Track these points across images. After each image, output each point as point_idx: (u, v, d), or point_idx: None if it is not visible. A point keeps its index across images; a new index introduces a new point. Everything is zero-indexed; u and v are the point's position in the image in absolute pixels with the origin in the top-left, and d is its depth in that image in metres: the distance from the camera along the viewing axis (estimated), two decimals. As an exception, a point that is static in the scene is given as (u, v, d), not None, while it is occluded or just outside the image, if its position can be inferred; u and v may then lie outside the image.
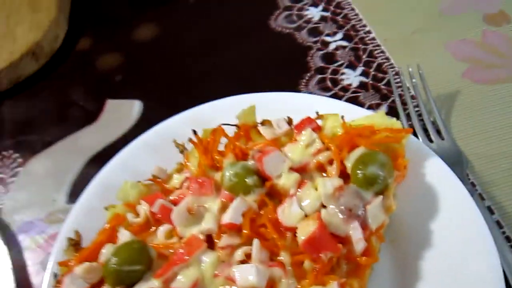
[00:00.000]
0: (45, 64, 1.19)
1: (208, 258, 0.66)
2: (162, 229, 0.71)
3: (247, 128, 0.81)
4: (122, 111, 1.03)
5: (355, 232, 0.65)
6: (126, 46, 1.22)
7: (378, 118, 0.77)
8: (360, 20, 1.19)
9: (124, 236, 0.70)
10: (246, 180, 0.72)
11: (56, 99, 1.13)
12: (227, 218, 0.68)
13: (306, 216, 0.68)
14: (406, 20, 1.15)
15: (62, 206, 0.92)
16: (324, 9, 1.23)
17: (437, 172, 0.75)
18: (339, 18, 1.20)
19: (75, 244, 0.72)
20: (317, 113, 0.80)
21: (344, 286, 0.62)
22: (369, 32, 1.15)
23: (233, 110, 0.81)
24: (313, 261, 0.64)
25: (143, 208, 0.73)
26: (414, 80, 0.97)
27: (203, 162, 0.78)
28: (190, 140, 0.81)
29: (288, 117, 0.81)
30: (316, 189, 0.70)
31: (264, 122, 0.82)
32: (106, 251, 0.68)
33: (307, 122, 0.78)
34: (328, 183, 0.69)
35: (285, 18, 1.23)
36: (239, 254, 0.66)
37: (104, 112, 1.07)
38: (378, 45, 1.12)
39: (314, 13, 1.23)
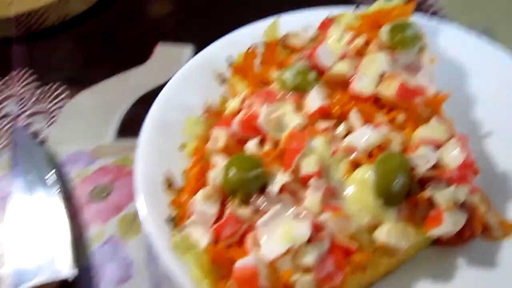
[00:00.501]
0: (95, 4, 1.15)
1: (317, 142, 0.67)
2: (252, 142, 0.70)
3: (274, 45, 0.84)
4: (173, 54, 1.03)
5: (423, 79, 0.73)
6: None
7: (380, 4, 0.87)
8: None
9: (220, 159, 0.67)
10: (309, 76, 0.75)
11: (106, 40, 1.09)
12: (314, 104, 0.71)
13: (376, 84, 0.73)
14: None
15: (110, 141, 0.88)
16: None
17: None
18: None
19: (170, 185, 0.66)
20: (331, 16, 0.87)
21: (440, 119, 0.70)
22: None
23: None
24: (406, 111, 0.70)
25: (221, 134, 0.71)
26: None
27: (251, 80, 0.79)
28: (231, 65, 0.80)
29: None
30: (372, 62, 0.76)
31: (287, 37, 0.85)
32: (212, 175, 0.65)
33: (327, 22, 0.85)
34: (380, 54, 0.76)
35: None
36: (340, 130, 0.69)
37: (155, 55, 1.04)
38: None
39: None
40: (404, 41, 0.77)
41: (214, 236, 0.58)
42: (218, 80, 0.82)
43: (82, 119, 0.93)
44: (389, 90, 0.71)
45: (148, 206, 0.66)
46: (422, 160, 0.65)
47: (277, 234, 0.56)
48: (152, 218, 0.65)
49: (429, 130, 0.68)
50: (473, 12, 1.10)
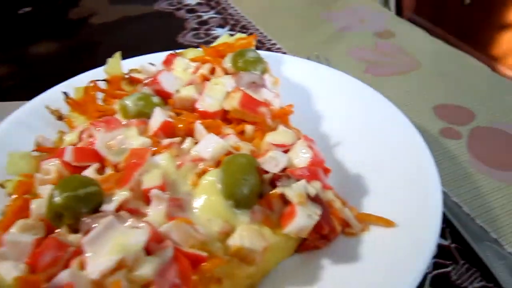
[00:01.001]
0: None
1: (161, 157, 0.61)
2: (91, 168, 0.62)
3: (117, 80, 0.80)
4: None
5: (268, 93, 0.74)
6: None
7: (224, 39, 0.90)
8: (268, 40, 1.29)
9: (47, 189, 0.57)
10: (152, 99, 0.71)
11: None
12: (156, 122, 0.66)
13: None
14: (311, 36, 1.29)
15: None
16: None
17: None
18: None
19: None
20: (175, 51, 0.87)
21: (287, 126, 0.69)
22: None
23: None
24: (254, 123, 0.69)
25: (52, 165, 0.62)
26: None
27: (91, 113, 0.72)
28: (67, 99, 0.73)
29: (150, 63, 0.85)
30: (217, 84, 0.76)
31: (132, 71, 0.82)
32: (37, 204, 0.55)
33: (171, 57, 0.84)
34: (224, 77, 0.76)
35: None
36: (187, 144, 0.64)
37: None
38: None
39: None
40: (246, 63, 0.79)
41: (29, 267, 0.47)
42: (55, 116, 0.74)
43: None
44: (233, 102, 0.69)
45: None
46: (272, 163, 0.62)
47: (107, 248, 0.46)
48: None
49: (277, 135, 0.67)
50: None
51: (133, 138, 0.65)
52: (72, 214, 0.52)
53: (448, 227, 0.67)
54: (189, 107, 0.73)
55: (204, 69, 0.80)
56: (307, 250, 0.60)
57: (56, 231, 0.52)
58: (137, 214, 0.54)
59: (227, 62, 0.81)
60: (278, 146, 0.65)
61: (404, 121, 0.73)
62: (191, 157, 0.61)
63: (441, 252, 0.64)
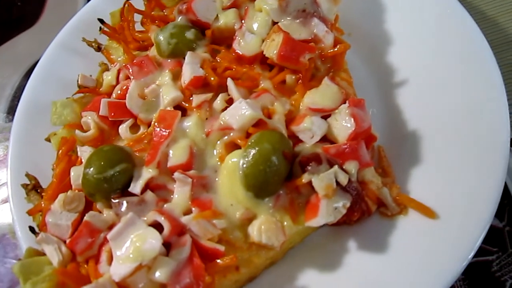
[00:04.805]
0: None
1: (189, 122, 0.59)
2: (124, 125, 0.62)
3: (155, -4, 0.71)
4: (65, 10, 0.90)
5: (319, 27, 0.61)
6: None
7: None
8: None
9: (85, 152, 0.60)
10: (186, 35, 0.64)
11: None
12: (187, 76, 0.60)
13: (263, 40, 0.62)
14: None
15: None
16: None
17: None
18: None
19: (33, 187, 0.60)
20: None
21: (334, 79, 0.60)
22: None
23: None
24: (294, 72, 0.60)
25: (90, 119, 0.63)
26: None
27: (127, 46, 0.68)
28: (101, 30, 0.69)
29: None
30: (261, 10, 0.64)
31: (170, -20, 0.72)
32: (75, 173, 0.58)
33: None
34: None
35: None
36: (218, 103, 0.59)
37: (45, 12, 0.90)
38: None
39: None
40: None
41: (70, 252, 0.53)
42: (94, 48, 0.71)
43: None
44: (272, 49, 0.59)
45: (16, 211, 0.61)
46: (307, 134, 0.56)
47: (127, 249, 0.50)
48: (20, 226, 0.60)
49: (319, 96, 0.58)
50: None
51: (165, 89, 0.61)
52: (103, 195, 0.55)
53: (509, 205, 0.59)
54: (229, 37, 0.65)
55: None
56: (337, 225, 0.58)
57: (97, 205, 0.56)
58: (164, 190, 0.56)
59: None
60: (317, 111, 0.57)
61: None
62: (219, 125, 0.57)
63: (490, 235, 0.58)
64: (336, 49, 0.61)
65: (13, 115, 0.76)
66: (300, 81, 0.60)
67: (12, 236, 0.70)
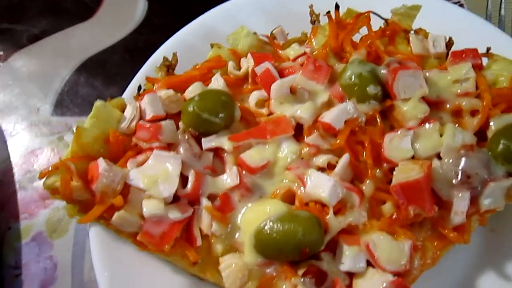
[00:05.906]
0: None
1: (288, 148, 0.59)
2: (256, 94, 0.64)
3: (396, 29, 0.67)
4: (124, 9, 0.85)
5: (460, 203, 0.54)
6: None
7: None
8: None
9: (217, 82, 0.64)
10: (368, 87, 0.60)
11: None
12: (328, 117, 0.59)
13: (413, 158, 0.57)
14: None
15: (46, 117, 0.76)
16: None
17: None
18: None
19: (169, 66, 0.68)
20: (488, 48, 0.63)
21: (416, 250, 0.54)
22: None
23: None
24: (397, 207, 0.55)
25: (248, 63, 0.66)
26: None
27: (330, 43, 0.67)
28: (328, 13, 0.68)
29: (450, 38, 0.66)
30: (441, 135, 0.57)
31: (419, 31, 0.67)
32: (194, 89, 0.63)
33: (470, 53, 0.62)
34: (459, 135, 0.56)
35: None
36: (322, 160, 0.58)
37: (103, 7, 0.86)
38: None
39: None
40: (500, 151, 0.55)
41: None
42: (312, 17, 0.71)
43: (18, 88, 0.78)
44: (403, 174, 0.54)
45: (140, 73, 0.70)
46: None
47: (154, 169, 0.56)
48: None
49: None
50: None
51: (309, 105, 0.61)
52: (190, 123, 0.60)
53: None
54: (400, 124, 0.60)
55: (467, 104, 0.59)
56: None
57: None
58: (221, 164, 0.60)
59: (496, 123, 0.57)
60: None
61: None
62: (302, 172, 0.57)
63: None
64: (451, 234, 0.54)
65: (61, 110, 0.75)
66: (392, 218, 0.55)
67: (49, 235, 0.69)
